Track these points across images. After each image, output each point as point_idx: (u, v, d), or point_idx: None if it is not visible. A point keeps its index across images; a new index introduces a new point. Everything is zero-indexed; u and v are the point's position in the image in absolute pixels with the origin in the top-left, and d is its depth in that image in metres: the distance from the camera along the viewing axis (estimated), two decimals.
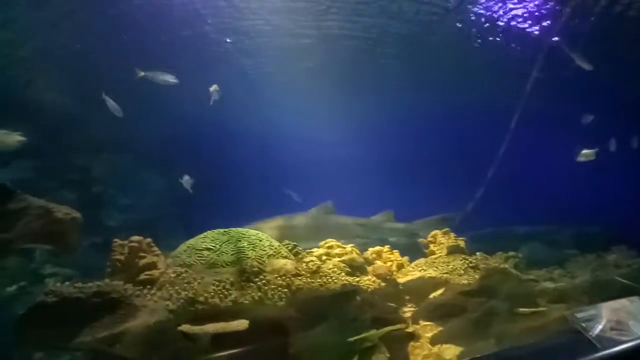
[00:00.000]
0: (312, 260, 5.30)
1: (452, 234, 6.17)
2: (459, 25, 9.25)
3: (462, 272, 5.67)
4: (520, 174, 11.34)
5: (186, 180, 8.66)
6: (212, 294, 4.45)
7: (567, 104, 10.75)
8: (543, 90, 10.23)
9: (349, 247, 5.73)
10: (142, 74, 7.72)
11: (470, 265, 5.77)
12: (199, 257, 4.87)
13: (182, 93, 8.11)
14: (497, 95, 10.80)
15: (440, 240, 6.09)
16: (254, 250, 5.06)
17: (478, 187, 11.08)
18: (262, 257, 5.03)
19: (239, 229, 5.41)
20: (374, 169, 11.80)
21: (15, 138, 5.79)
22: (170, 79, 7.69)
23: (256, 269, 4.79)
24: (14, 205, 2.81)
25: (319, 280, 5.06)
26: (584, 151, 8.31)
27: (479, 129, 11.24)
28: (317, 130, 11.81)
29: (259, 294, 4.63)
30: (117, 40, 8.84)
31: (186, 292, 4.40)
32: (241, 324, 4.34)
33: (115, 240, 4.69)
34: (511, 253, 6.35)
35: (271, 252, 5.18)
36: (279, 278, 4.82)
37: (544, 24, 9.15)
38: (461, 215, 8.66)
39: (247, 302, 4.52)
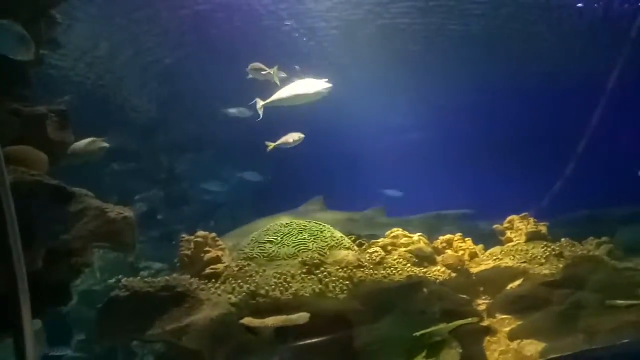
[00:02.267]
0: (376, 251, 5.14)
1: (532, 219, 5.62)
2: None
3: (544, 260, 5.15)
4: (617, 150, 10.23)
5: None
6: (272, 286, 4.48)
7: None
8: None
9: (415, 237, 5.48)
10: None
11: (554, 253, 5.22)
12: (261, 250, 4.93)
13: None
14: (585, 68, 9.77)
15: (518, 226, 5.59)
16: (315, 242, 5.02)
17: (567, 165, 10.18)
18: (324, 249, 4.97)
19: (302, 221, 5.40)
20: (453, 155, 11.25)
21: (99, 145, 5.78)
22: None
23: (317, 260, 4.75)
24: (73, 207, 2.97)
25: (382, 271, 4.90)
26: None
27: (570, 104, 10.28)
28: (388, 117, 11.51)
29: (320, 286, 4.58)
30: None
31: (248, 285, 4.47)
32: (302, 317, 4.32)
33: (183, 235, 4.89)
34: (604, 238, 5.66)
35: (333, 243, 5.10)
36: (340, 270, 4.74)
37: None
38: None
39: (307, 294, 4.49)
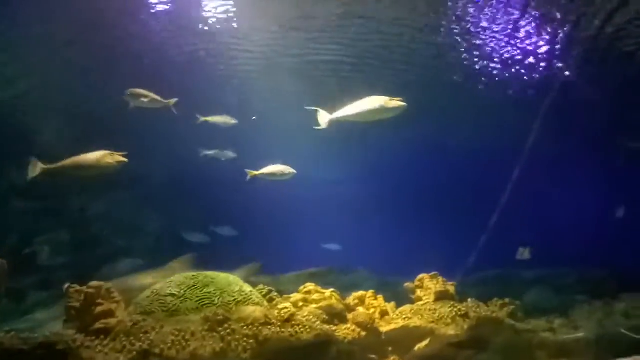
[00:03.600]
0: (286, 308, 4.96)
1: (441, 278, 5.75)
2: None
3: (450, 321, 5.23)
4: (527, 216, 10.88)
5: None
6: (169, 345, 4.14)
7: (576, 146, 10.36)
8: (552, 131, 9.92)
9: (328, 292, 5.40)
10: (202, 119, 8.03)
11: (460, 313, 5.33)
12: (161, 303, 4.60)
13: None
14: (502, 136, 10.44)
15: (428, 284, 5.68)
16: (222, 297, 4.78)
17: (481, 229, 10.63)
18: (230, 304, 4.74)
19: (210, 273, 5.15)
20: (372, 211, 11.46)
21: (117, 159, 5.38)
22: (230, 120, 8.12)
23: (221, 317, 4.48)
24: None
25: (290, 329, 4.71)
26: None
27: (482, 170, 10.87)
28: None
29: (222, 345, 4.29)
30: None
31: (141, 344, 4.10)
32: None
33: (72, 285, 4.46)
34: (507, 300, 5.87)
35: (241, 298, 4.89)
36: (245, 327, 4.50)
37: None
38: None
39: (207, 354, 4.19)
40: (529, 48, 8.51)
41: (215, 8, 7.17)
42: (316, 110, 5.86)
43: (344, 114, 5.69)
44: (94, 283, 4.47)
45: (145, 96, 6.01)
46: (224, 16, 7.38)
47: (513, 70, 9.05)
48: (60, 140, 9.66)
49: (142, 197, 11.03)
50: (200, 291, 4.76)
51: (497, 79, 9.23)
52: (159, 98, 6.27)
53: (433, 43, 8.19)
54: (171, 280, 4.92)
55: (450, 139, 10.92)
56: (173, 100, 6.43)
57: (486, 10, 7.63)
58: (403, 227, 11.56)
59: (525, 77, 9.19)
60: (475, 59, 8.80)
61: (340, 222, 11.73)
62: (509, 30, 8.08)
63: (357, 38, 8.12)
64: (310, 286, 5.47)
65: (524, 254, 7.81)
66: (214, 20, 7.45)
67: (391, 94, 5.58)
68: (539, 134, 10.09)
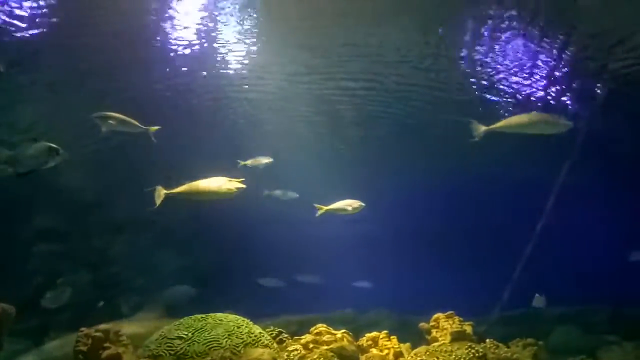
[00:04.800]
0: (296, 349, 4.86)
1: (457, 318, 5.54)
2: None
3: None
4: (554, 251, 10.50)
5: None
6: None
7: (608, 180, 10.04)
8: (578, 164, 9.66)
9: (339, 334, 5.26)
10: (242, 163, 8.27)
11: (477, 355, 5.08)
12: (168, 347, 4.55)
13: None
14: (526, 173, 10.21)
15: (444, 325, 5.47)
16: (230, 339, 4.70)
17: (506, 266, 10.27)
18: (238, 347, 4.65)
19: (220, 315, 5.09)
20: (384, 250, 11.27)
21: (236, 185, 5.51)
22: (267, 160, 8.39)
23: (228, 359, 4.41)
24: None
25: None
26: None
27: (508, 204, 10.66)
28: None
29: None
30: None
31: None
32: None
33: (81, 329, 4.48)
34: (530, 339, 5.59)
35: (249, 340, 4.80)
36: None
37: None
38: None
39: None
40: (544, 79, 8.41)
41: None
42: (470, 122, 6.16)
43: (502, 124, 6.05)
44: (102, 326, 4.48)
45: (117, 119, 6.01)
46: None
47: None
48: (83, 184, 10.07)
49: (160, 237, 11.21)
50: (209, 333, 4.71)
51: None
52: (134, 122, 6.23)
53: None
54: (180, 323, 4.89)
55: (472, 178, 10.75)
56: (154, 128, 6.44)
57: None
58: (426, 265, 11.32)
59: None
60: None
61: (363, 260, 11.60)
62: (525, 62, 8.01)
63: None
64: (321, 327, 5.35)
65: (539, 301, 7.51)
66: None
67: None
68: (566, 167, 9.85)
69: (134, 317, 8.73)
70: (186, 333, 4.69)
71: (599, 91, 8.33)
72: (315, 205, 6.28)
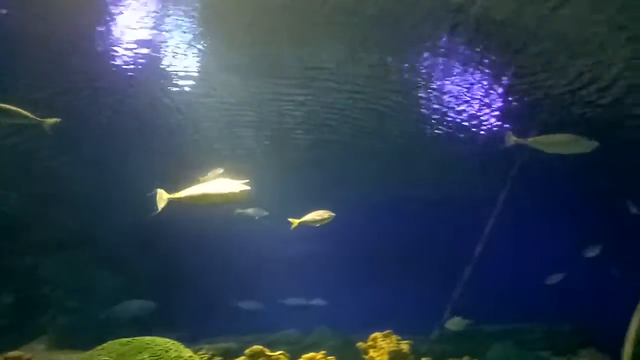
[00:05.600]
0: None
1: (394, 337, 5.53)
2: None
3: None
4: (491, 271, 10.83)
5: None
6: None
7: (542, 201, 10.47)
8: (518, 187, 10.01)
9: (275, 355, 5.12)
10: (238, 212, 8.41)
11: None
12: None
13: None
14: (468, 193, 10.48)
15: (381, 344, 5.45)
16: None
17: (446, 284, 10.48)
18: None
19: (147, 338, 4.82)
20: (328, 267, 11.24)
21: (242, 188, 5.12)
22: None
23: None
24: None
25: None
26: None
27: (445, 224, 10.88)
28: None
29: None
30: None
31: None
32: None
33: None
34: (465, 358, 5.66)
35: None
36: None
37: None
38: None
39: None
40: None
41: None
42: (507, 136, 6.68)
43: (533, 140, 6.58)
44: (12, 353, 4.13)
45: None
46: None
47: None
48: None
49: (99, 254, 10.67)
50: (134, 358, 4.44)
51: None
52: (25, 113, 5.62)
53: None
54: (102, 347, 4.58)
55: (418, 195, 10.93)
56: (50, 120, 5.84)
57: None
58: (370, 284, 11.39)
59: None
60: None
61: (306, 280, 11.51)
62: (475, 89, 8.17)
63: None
64: (257, 348, 5.19)
65: (454, 324, 7.67)
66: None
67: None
68: (508, 190, 10.21)
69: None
70: (108, 357, 4.40)
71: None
72: (289, 219, 6.17)
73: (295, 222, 6.24)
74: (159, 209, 5.17)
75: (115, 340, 4.72)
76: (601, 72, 6.78)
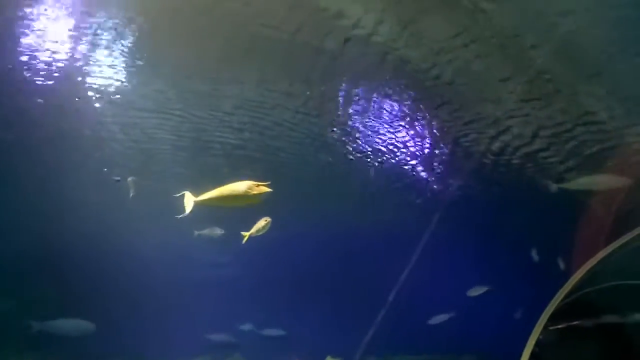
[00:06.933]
0: None
1: None
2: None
3: None
4: (410, 300, 11.08)
5: None
6: None
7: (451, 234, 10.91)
8: (431, 219, 10.34)
9: None
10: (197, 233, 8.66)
11: None
12: None
13: None
14: (373, 222, 10.79)
15: None
16: None
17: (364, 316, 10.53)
18: None
19: None
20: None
21: (262, 189, 5.12)
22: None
23: None
24: None
25: None
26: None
27: (377, 254, 11.05)
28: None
29: None
30: None
31: None
32: None
33: None
34: None
35: None
36: None
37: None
38: None
39: None
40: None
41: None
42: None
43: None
44: None
45: None
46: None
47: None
48: None
49: None
50: None
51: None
52: None
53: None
54: None
55: (336, 223, 11.05)
56: None
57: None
58: (296, 311, 11.25)
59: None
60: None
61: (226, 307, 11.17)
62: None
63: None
64: None
65: None
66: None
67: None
68: (433, 224, 10.53)
69: None
70: None
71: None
72: (242, 232, 6.09)
73: (246, 235, 6.24)
74: (187, 212, 5.23)
75: None
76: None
